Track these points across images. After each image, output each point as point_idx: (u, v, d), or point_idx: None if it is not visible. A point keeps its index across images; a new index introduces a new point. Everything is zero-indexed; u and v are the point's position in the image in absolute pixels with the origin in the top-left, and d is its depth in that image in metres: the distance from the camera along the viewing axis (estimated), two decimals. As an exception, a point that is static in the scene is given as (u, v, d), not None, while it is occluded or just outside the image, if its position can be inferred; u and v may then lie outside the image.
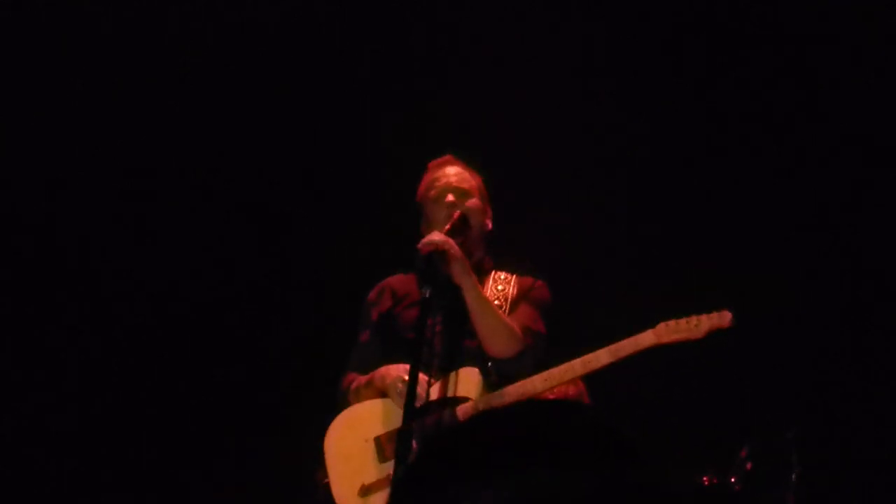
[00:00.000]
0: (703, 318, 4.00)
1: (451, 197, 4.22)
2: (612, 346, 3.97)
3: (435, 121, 5.73)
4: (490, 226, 4.33)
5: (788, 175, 5.73)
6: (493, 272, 4.31)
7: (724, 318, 4.00)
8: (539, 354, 4.08)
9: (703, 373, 5.46)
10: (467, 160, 4.40)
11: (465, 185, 4.28)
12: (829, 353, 5.53)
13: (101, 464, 5.89)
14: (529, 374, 4.00)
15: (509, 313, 4.16)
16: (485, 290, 4.15)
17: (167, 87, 5.93)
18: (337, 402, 4.22)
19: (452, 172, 4.32)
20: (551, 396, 4.05)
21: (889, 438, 5.32)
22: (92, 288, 6.00)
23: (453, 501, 1.03)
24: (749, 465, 4.71)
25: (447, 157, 4.40)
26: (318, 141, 6.06)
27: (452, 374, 4.00)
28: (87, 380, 5.98)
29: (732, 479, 4.70)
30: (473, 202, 4.26)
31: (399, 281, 4.36)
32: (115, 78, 5.88)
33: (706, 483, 4.70)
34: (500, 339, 4.01)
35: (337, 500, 3.99)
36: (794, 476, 4.67)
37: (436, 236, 3.97)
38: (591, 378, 4.44)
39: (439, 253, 3.89)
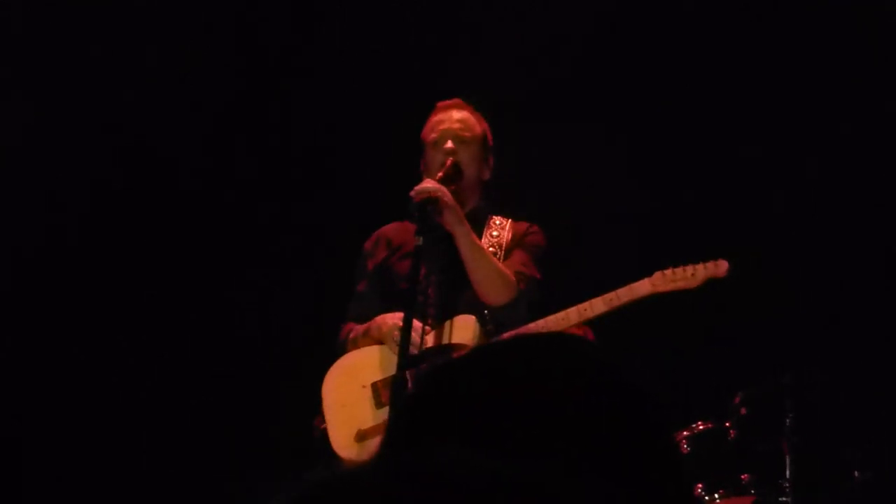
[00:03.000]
0: (700, 267, 4.00)
1: (450, 144, 4.20)
2: (608, 295, 3.97)
3: (444, 67, 5.70)
4: (488, 175, 4.31)
5: (786, 123, 5.72)
6: (489, 218, 4.30)
7: (720, 267, 4.01)
8: (534, 300, 4.08)
9: (698, 319, 5.47)
10: (476, 106, 4.36)
11: (467, 134, 4.24)
12: (822, 298, 5.55)
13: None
14: (524, 320, 4.01)
15: (504, 259, 4.15)
16: (480, 237, 4.14)
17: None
18: (336, 353, 4.24)
19: (457, 118, 4.28)
20: None
21: (883, 384, 5.34)
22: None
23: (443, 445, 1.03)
24: (743, 411, 4.75)
25: (456, 100, 4.36)
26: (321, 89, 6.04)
27: (448, 322, 4.01)
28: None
29: (727, 425, 4.74)
30: (472, 150, 4.23)
31: (394, 230, 4.35)
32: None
33: (701, 428, 4.74)
34: (494, 287, 4.02)
35: (333, 445, 4.01)
36: (788, 421, 4.70)
37: (428, 184, 3.96)
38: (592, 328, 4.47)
39: (432, 201, 3.88)
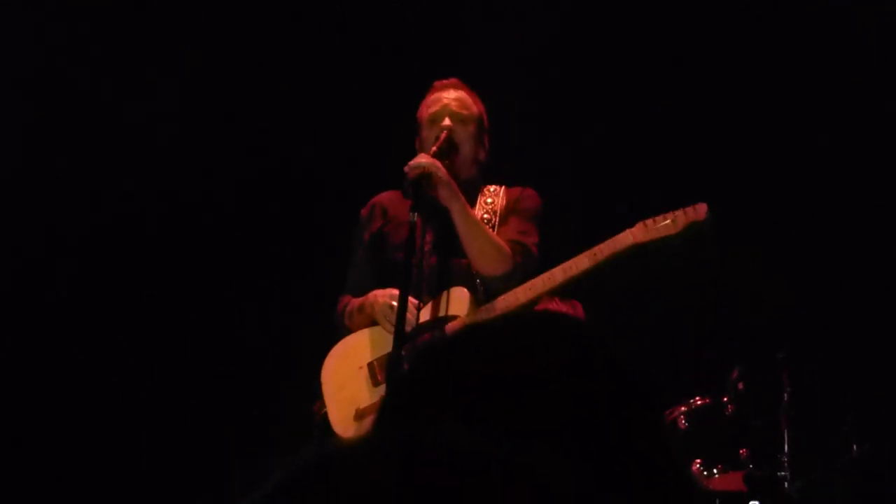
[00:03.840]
0: (679, 212, 3.97)
1: (447, 121, 4.19)
2: (591, 250, 3.95)
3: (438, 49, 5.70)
4: (484, 156, 4.29)
5: (783, 82, 5.71)
6: (482, 187, 4.29)
7: (699, 210, 3.98)
8: (529, 269, 4.06)
9: (695, 294, 5.48)
10: (472, 87, 4.36)
11: (464, 112, 4.23)
12: (820, 271, 5.55)
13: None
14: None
15: (499, 226, 4.14)
16: (474, 206, 4.14)
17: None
18: (334, 325, 4.25)
19: (454, 96, 4.27)
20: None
21: (881, 357, 5.35)
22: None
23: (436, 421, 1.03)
24: (741, 386, 4.75)
25: (453, 80, 4.35)
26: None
27: (443, 294, 4.02)
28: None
29: (725, 400, 4.74)
30: (468, 128, 4.22)
31: (389, 199, 4.34)
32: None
33: (699, 403, 4.75)
34: (489, 260, 4.01)
35: (333, 425, 4.03)
36: (786, 396, 4.71)
37: (423, 159, 3.95)
38: (582, 302, 4.45)
39: (426, 176, 3.87)
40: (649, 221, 3.96)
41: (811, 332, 5.27)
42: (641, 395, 1.07)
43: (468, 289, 4.03)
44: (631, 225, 3.97)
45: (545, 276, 3.98)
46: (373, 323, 4.10)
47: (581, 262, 3.94)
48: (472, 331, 1.14)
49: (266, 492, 0.78)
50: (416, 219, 3.73)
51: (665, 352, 5.35)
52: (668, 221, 3.95)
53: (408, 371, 1.13)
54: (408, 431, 0.78)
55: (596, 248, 3.94)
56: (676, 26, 5.79)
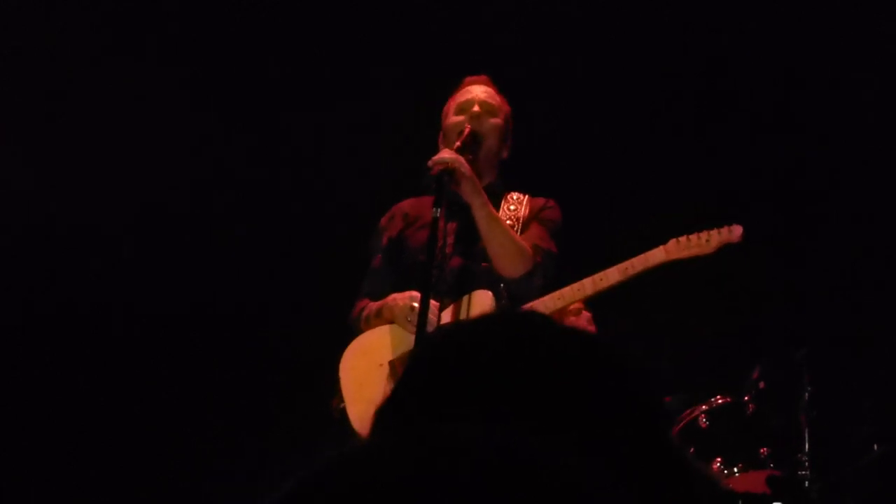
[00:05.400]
0: (714, 232, 3.98)
1: (476, 108, 4.18)
2: (623, 264, 3.96)
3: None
4: (506, 154, 4.29)
5: (804, 96, 5.71)
6: (505, 193, 4.29)
7: (734, 232, 3.99)
8: (549, 273, 4.07)
9: (717, 293, 5.47)
10: (501, 87, 4.36)
11: (493, 102, 4.23)
12: (840, 272, 5.54)
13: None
14: (539, 294, 4.00)
15: (521, 233, 4.14)
16: (497, 210, 4.13)
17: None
18: (349, 329, 4.25)
19: (484, 90, 4.27)
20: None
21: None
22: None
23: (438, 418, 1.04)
24: (762, 385, 4.75)
25: (483, 76, 4.36)
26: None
27: (465, 298, 3.99)
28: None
29: (746, 399, 4.74)
30: (496, 121, 4.21)
31: (410, 204, 4.34)
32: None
33: (720, 402, 4.75)
34: (510, 258, 3.99)
35: (353, 423, 4.02)
36: (806, 395, 4.70)
37: (446, 154, 3.92)
38: (601, 302, 4.46)
39: (449, 171, 3.86)
40: (682, 239, 3.97)
41: (832, 331, 5.26)
42: (646, 397, 1.09)
43: (492, 293, 4.01)
44: (656, 234, 3.98)
45: (575, 286, 3.98)
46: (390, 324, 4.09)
47: (612, 276, 3.95)
48: (482, 326, 1.16)
49: (287, 491, 0.80)
50: (438, 214, 3.72)
51: (686, 350, 5.34)
52: (702, 241, 3.96)
53: (418, 367, 1.15)
54: (422, 429, 0.80)
55: (627, 263, 3.95)
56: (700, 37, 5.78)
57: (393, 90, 5.86)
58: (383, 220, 4.34)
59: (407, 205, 4.34)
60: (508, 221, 4.13)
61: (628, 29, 5.82)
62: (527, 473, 0.76)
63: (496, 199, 4.19)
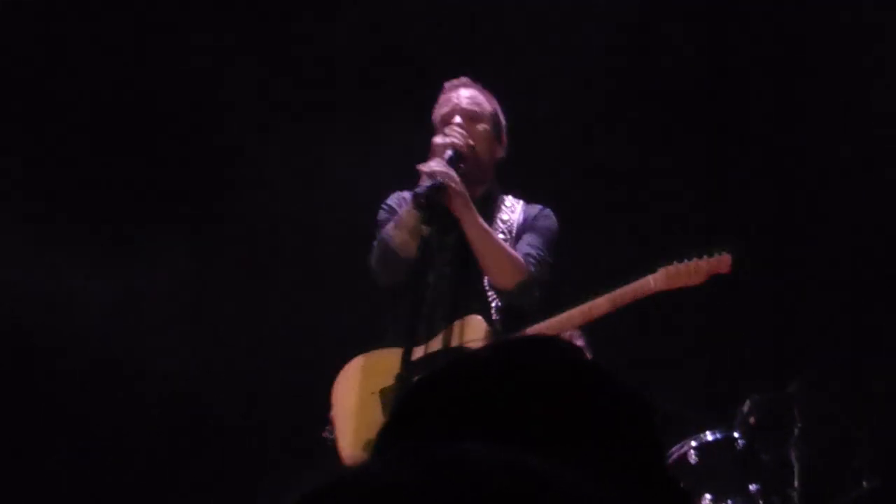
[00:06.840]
0: (703, 262, 3.98)
1: (458, 119, 4.12)
2: (612, 294, 3.94)
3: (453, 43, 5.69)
4: (502, 153, 4.22)
5: (798, 118, 5.72)
6: (500, 199, 4.23)
7: (723, 262, 3.99)
8: (544, 280, 4.01)
9: (706, 327, 5.47)
10: (484, 84, 4.29)
11: (476, 109, 4.14)
12: (831, 305, 5.55)
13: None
14: (537, 303, 3.95)
15: (515, 241, 4.08)
16: (491, 217, 4.05)
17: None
18: (380, 242, 3.99)
19: (465, 95, 4.19)
20: None
21: (892, 393, 5.34)
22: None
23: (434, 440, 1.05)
24: (753, 420, 4.74)
25: (463, 78, 4.25)
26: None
27: (457, 323, 3.94)
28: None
29: (735, 434, 4.73)
30: (481, 127, 4.14)
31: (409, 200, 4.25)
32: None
33: (709, 438, 4.74)
34: (503, 270, 3.92)
35: (342, 453, 3.98)
36: (796, 430, 4.70)
37: (437, 166, 3.87)
38: (591, 333, 4.45)
39: (439, 189, 3.79)
40: (671, 268, 3.96)
41: (822, 366, 5.26)
42: (638, 417, 1.10)
43: (484, 317, 3.98)
44: (646, 257, 3.98)
45: (564, 316, 3.96)
46: (392, 342, 3.99)
47: (600, 306, 3.93)
48: (478, 355, 1.17)
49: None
50: (427, 234, 3.69)
51: (676, 385, 5.33)
52: (690, 270, 3.95)
53: (415, 390, 1.15)
54: (422, 448, 0.80)
55: (616, 294, 3.94)
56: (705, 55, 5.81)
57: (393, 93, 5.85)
58: (391, 200, 4.24)
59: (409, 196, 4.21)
60: (501, 235, 4.07)
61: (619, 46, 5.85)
62: (532, 490, 0.76)
63: (490, 204, 4.12)
